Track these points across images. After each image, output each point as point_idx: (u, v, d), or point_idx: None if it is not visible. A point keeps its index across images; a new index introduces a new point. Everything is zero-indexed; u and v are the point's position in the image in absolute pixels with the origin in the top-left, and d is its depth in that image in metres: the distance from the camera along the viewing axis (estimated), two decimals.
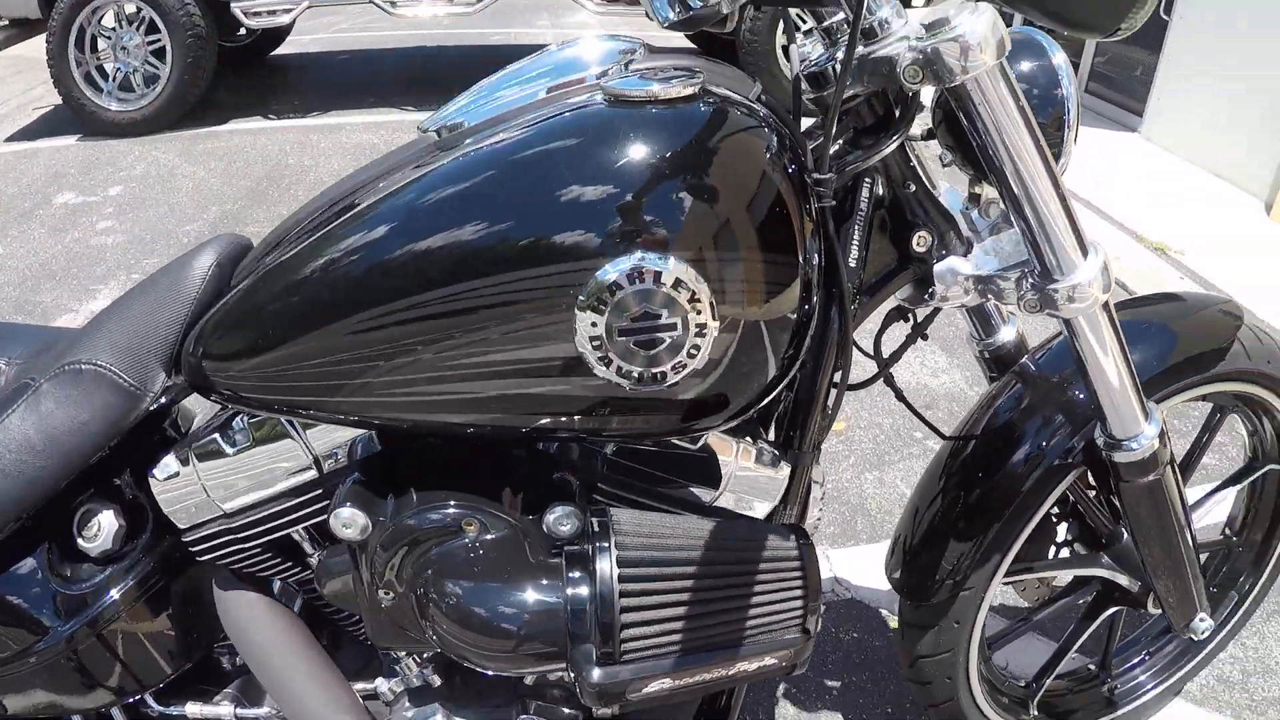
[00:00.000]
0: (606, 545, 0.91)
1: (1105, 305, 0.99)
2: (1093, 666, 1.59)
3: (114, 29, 4.78)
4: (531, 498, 1.00)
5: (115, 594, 1.14)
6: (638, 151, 0.83)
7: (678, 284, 0.82)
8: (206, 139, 4.92)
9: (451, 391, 0.89)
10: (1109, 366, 1.04)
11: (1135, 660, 1.60)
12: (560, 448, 1.03)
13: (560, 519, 0.97)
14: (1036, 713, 1.50)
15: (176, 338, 1.03)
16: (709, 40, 6.69)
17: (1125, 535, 1.29)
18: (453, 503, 0.97)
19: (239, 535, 1.09)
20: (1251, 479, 1.48)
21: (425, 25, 6.82)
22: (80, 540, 1.12)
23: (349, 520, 0.97)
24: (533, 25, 7.19)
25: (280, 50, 6.51)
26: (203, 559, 1.11)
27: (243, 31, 5.41)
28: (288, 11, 4.85)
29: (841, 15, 0.94)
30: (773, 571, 0.98)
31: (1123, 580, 1.33)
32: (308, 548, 1.11)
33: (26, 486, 1.06)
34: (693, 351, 0.85)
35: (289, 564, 1.14)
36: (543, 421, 0.91)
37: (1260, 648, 1.83)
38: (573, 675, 0.93)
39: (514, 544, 0.96)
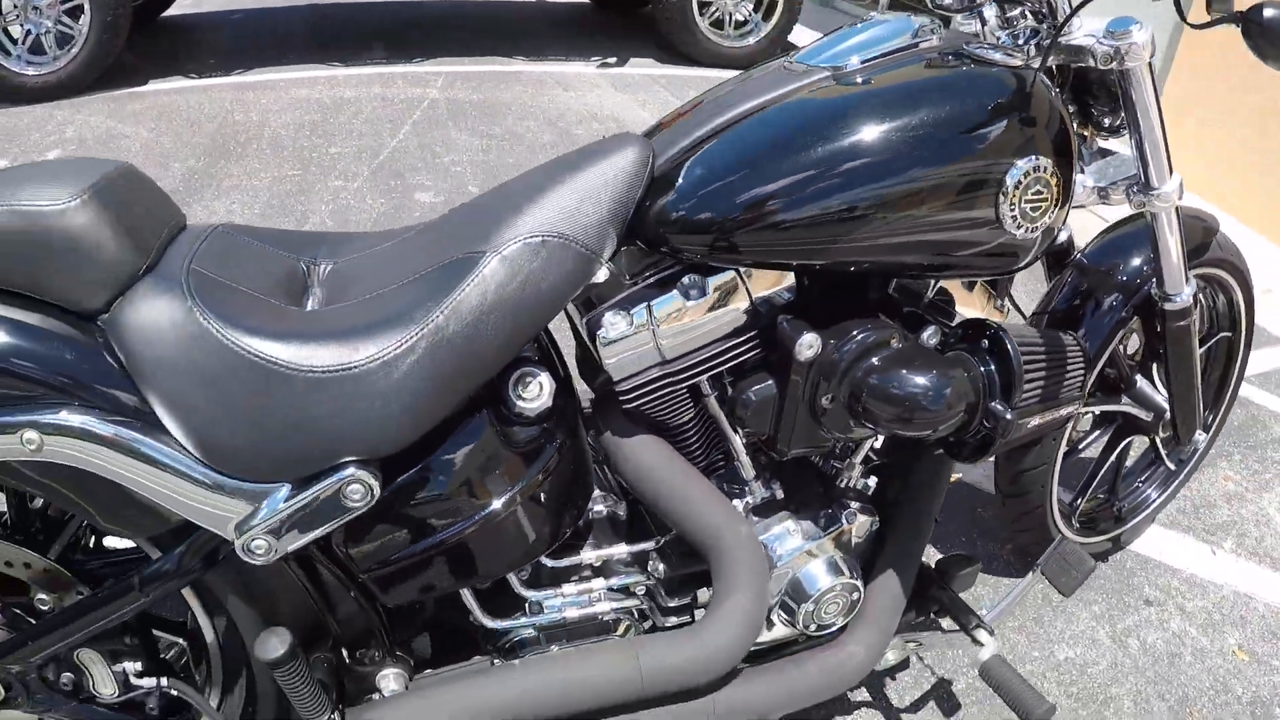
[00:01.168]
0: (1002, 334, 1.28)
1: (1177, 208, 1.47)
2: (1103, 494, 2.05)
3: None
4: (912, 320, 1.33)
5: (551, 451, 1.25)
6: (1013, 96, 1.21)
7: (1050, 171, 1.22)
8: (131, 100, 4.60)
9: (879, 238, 1.18)
10: (1174, 246, 1.50)
11: (1135, 485, 2.11)
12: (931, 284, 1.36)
13: (933, 333, 1.32)
14: (1078, 524, 1.98)
15: (627, 209, 1.17)
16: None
17: (1139, 381, 1.74)
18: (875, 324, 1.24)
19: (672, 380, 1.24)
20: (1209, 344, 1.95)
21: None
22: (520, 402, 1.20)
23: (810, 343, 1.21)
24: None
25: (170, 12, 6.10)
26: (628, 405, 1.25)
27: None
28: None
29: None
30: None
31: (1139, 413, 1.75)
32: (707, 387, 1.28)
33: (493, 353, 1.13)
34: (1052, 212, 1.25)
35: (692, 403, 1.29)
36: (939, 260, 1.23)
37: (1204, 488, 2.37)
38: (989, 422, 1.27)
39: (922, 348, 1.28)
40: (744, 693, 1.34)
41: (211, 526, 1.12)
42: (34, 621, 1.33)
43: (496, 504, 1.21)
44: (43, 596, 1.33)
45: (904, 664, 1.85)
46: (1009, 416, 1.25)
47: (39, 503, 1.35)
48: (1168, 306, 1.55)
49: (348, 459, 1.10)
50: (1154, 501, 2.07)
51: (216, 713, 1.42)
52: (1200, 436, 1.78)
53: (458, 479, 1.19)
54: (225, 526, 1.12)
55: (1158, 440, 1.95)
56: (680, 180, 1.17)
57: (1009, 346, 1.25)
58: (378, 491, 1.12)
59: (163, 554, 1.21)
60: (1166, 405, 1.70)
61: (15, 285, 1.05)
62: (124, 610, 1.22)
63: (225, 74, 5.02)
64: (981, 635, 1.51)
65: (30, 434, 1.03)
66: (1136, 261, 1.64)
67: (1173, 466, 2.04)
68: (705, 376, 1.25)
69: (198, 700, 1.39)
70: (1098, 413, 1.91)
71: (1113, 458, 1.94)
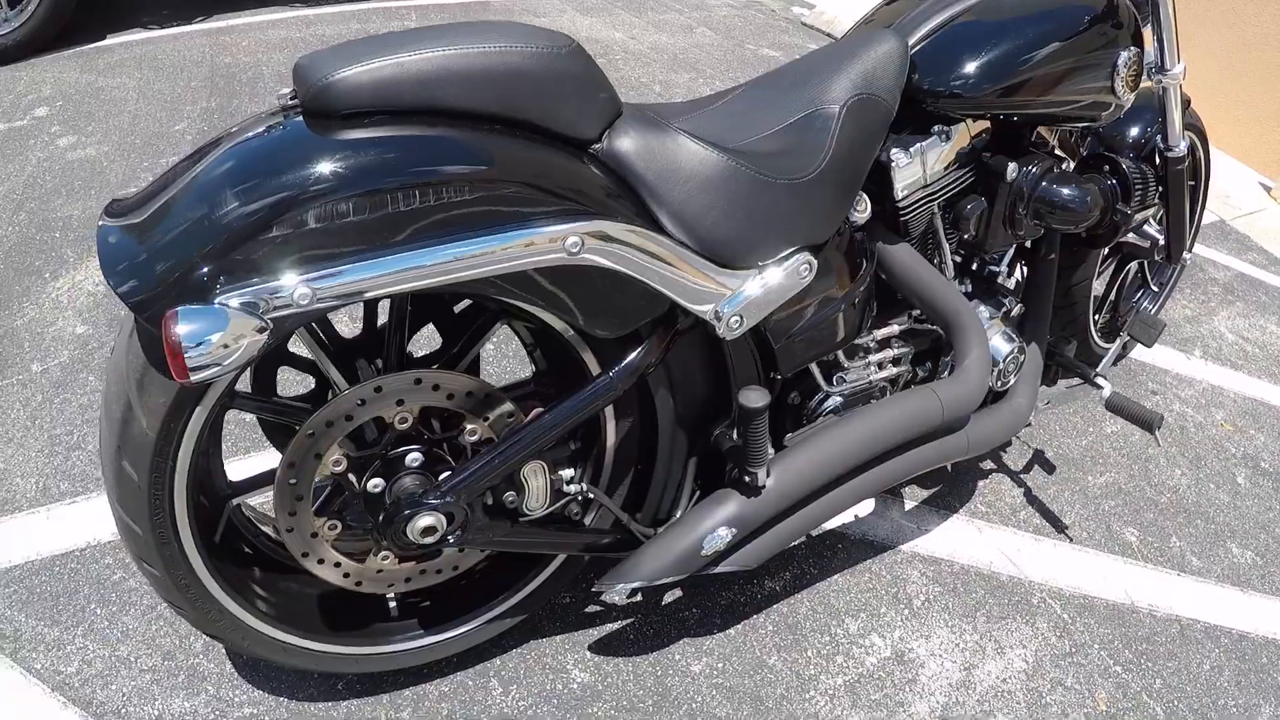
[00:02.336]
0: (1119, 160, 1.92)
1: (1179, 85, 1.92)
2: (1108, 313, 2.51)
3: None
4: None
5: (872, 251, 1.71)
6: (1123, 10, 1.78)
7: (1136, 56, 1.77)
8: (98, 55, 4.32)
9: (1063, 94, 1.71)
10: (1177, 112, 1.94)
11: (1130, 304, 2.61)
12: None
13: (1066, 164, 1.89)
14: (1095, 333, 2.46)
15: (902, 79, 1.60)
16: None
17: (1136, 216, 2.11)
18: (1044, 156, 1.80)
19: (927, 198, 1.72)
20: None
21: None
22: (854, 214, 1.65)
23: (1013, 170, 1.76)
24: None
25: None
26: (904, 217, 1.70)
27: None
28: None
29: None
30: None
31: (1139, 242, 2.12)
32: (936, 208, 1.77)
33: (858, 174, 1.58)
34: (1135, 85, 1.79)
35: (927, 218, 1.75)
36: (1080, 111, 1.75)
37: (1169, 313, 3.05)
38: (1116, 218, 1.88)
39: (1071, 172, 1.83)
40: (977, 428, 1.77)
41: (697, 310, 1.38)
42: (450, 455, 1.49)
43: (856, 289, 1.63)
44: (472, 426, 1.46)
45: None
46: (1129, 212, 1.84)
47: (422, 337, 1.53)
48: (1170, 155, 1.99)
49: (797, 246, 1.46)
50: (1152, 307, 2.66)
51: (622, 511, 1.63)
52: (1187, 256, 2.21)
53: (833, 271, 1.58)
54: (708, 308, 1.39)
55: (1147, 266, 2.56)
56: (938, 56, 1.62)
57: (1124, 169, 1.87)
58: (815, 269, 1.48)
59: (600, 362, 1.44)
60: (1160, 235, 2.08)
61: (525, 114, 1.21)
62: (596, 406, 1.42)
63: (185, 23, 4.76)
64: (1100, 381, 2.09)
65: (573, 239, 1.21)
66: (1139, 127, 2.10)
67: (1156, 289, 2.65)
68: (941, 198, 1.71)
69: (608, 501, 1.60)
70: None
71: (1117, 282, 2.47)
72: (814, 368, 1.69)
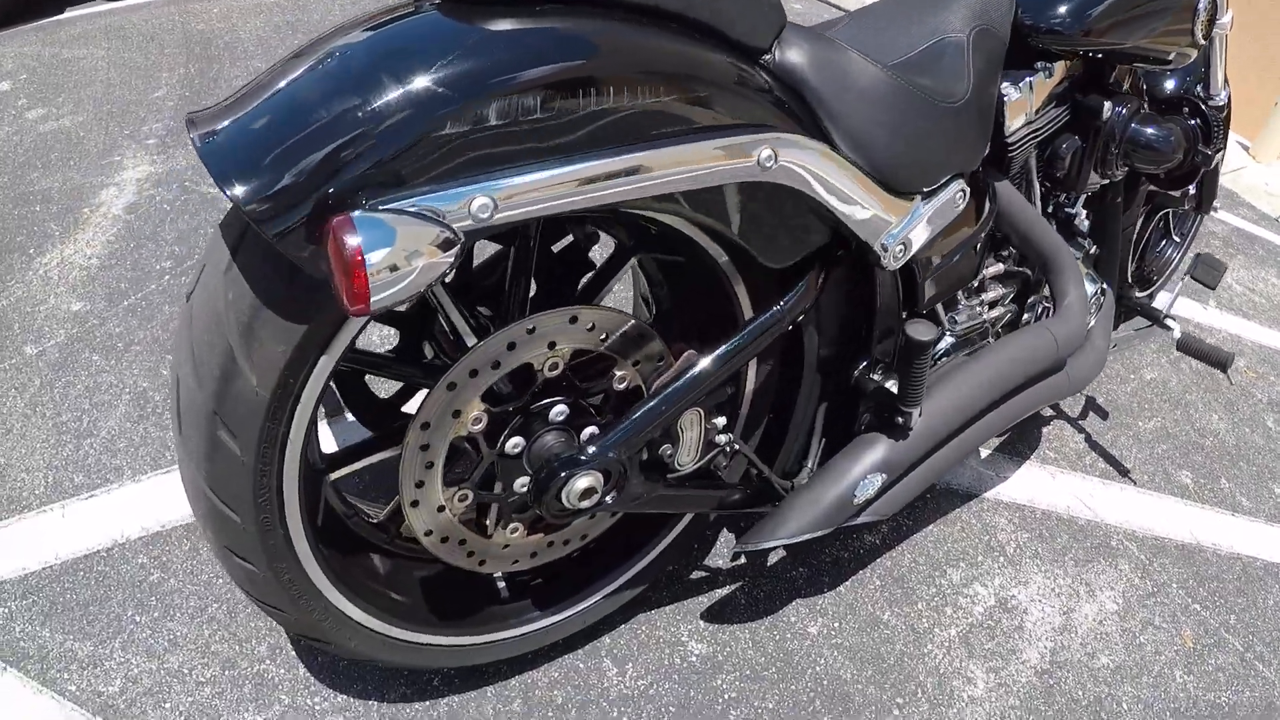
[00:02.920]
0: (1200, 103, 1.89)
1: (1226, 35, 1.88)
2: (1135, 262, 2.42)
3: None
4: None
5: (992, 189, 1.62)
6: None
7: (1210, 6, 1.70)
8: (58, 28, 3.95)
9: (1151, 38, 1.64)
10: (1221, 63, 1.90)
11: (1156, 253, 2.50)
12: None
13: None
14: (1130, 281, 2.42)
15: (1010, 16, 1.54)
16: None
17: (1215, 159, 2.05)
18: (1132, 98, 1.76)
19: (1032, 134, 1.64)
20: None
21: None
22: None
23: (1108, 108, 1.71)
24: None
25: None
26: (1010, 154, 1.60)
27: None
28: None
29: None
30: None
31: (1172, 190, 2.03)
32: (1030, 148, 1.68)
33: (992, 101, 1.52)
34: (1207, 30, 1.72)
35: (1029, 152, 1.69)
36: (1162, 53, 1.68)
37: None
38: (1197, 159, 1.84)
39: (1156, 115, 1.79)
40: (1075, 368, 1.74)
41: (867, 238, 1.30)
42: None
43: (986, 224, 1.55)
44: (621, 372, 1.32)
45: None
46: (1210, 154, 1.80)
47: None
48: (1212, 103, 1.92)
49: (955, 173, 1.40)
50: (1174, 261, 2.54)
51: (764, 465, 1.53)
52: (1216, 205, 2.18)
53: (973, 204, 1.48)
54: (877, 237, 1.31)
55: (1171, 216, 2.48)
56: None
57: (1205, 110, 1.84)
58: (967, 199, 1.42)
59: (753, 298, 1.36)
60: (1191, 186, 2.02)
61: (700, 14, 1.07)
62: (763, 343, 1.32)
63: None
64: (1169, 323, 2.08)
65: (766, 151, 1.12)
66: (1178, 76, 2.02)
67: (1178, 239, 2.56)
68: (1041, 137, 1.65)
69: (751, 453, 1.49)
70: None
71: (1153, 224, 2.39)
72: (940, 306, 1.63)
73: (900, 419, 1.47)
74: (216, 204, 2.58)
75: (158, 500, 1.77)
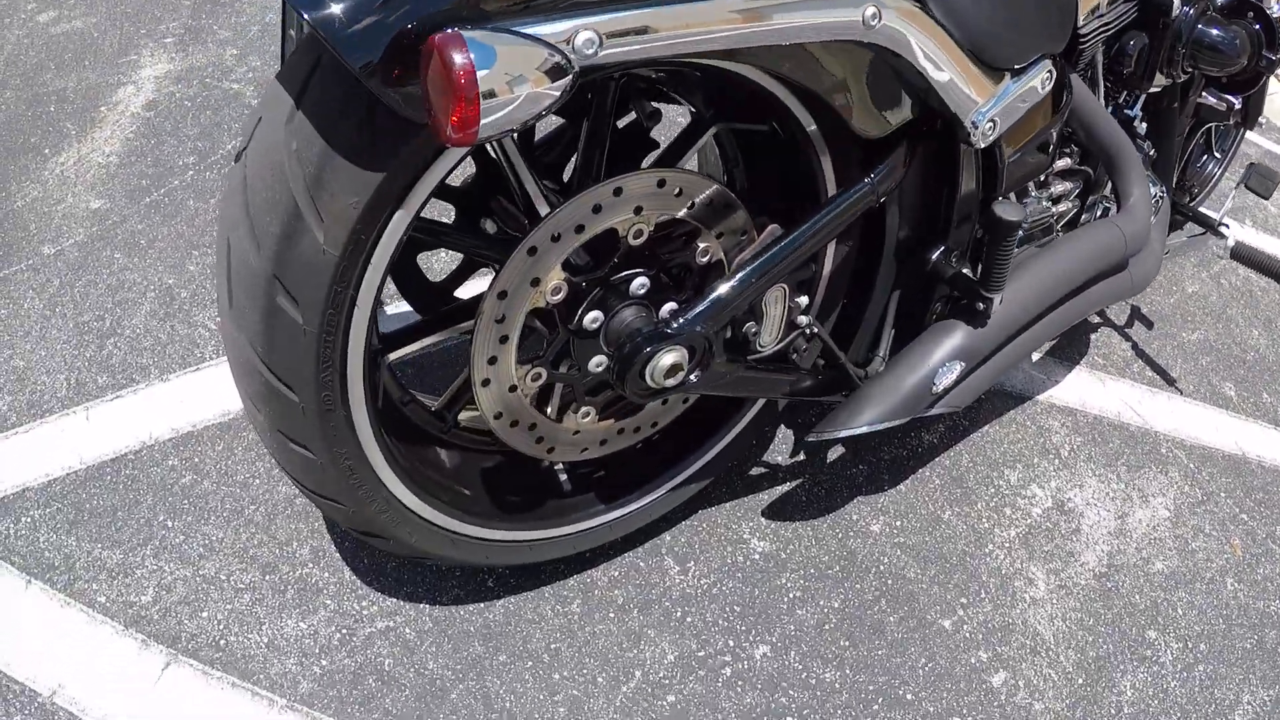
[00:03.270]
0: (1263, 6, 1.71)
1: None
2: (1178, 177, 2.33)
3: None
4: None
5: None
6: None
7: None
8: None
9: None
10: None
11: (1197, 168, 2.36)
12: None
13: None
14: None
15: None
16: None
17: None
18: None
19: (1103, 28, 1.52)
20: None
21: None
22: None
23: (1176, 5, 1.61)
24: None
25: None
26: (1081, 46, 1.47)
27: None
28: None
29: None
30: None
31: (1217, 104, 1.89)
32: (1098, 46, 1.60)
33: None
34: None
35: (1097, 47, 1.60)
36: None
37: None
38: (1260, 63, 1.69)
39: (1220, 17, 1.70)
40: (1137, 268, 1.69)
41: (959, 111, 1.24)
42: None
43: (1064, 112, 1.43)
44: (704, 244, 1.27)
45: None
46: (1274, 59, 1.69)
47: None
48: (1276, 10, 1.78)
49: (1043, 52, 1.33)
50: (1215, 176, 2.41)
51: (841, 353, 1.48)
52: (1263, 119, 2.13)
53: (1054, 88, 1.39)
54: (969, 112, 1.25)
55: (1214, 131, 2.33)
56: None
57: (1269, 14, 1.68)
58: (1054, 80, 1.35)
59: (838, 173, 1.32)
60: (1238, 100, 1.90)
61: None
62: (852, 216, 1.28)
63: None
64: (1223, 229, 2.01)
65: (871, 9, 1.07)
66: None
67: (1219, 155, 2.43)
68: (1108, 33, 1.54)
69: (828, 339, 1.43)
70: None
71: (1197, 139, 2.28)
72: (1013, 196, 1.57)
73: (981, 305, 1.44)
74: (240, 100, 2.43)
75: (188, 399, 1.66)
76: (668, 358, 1.15)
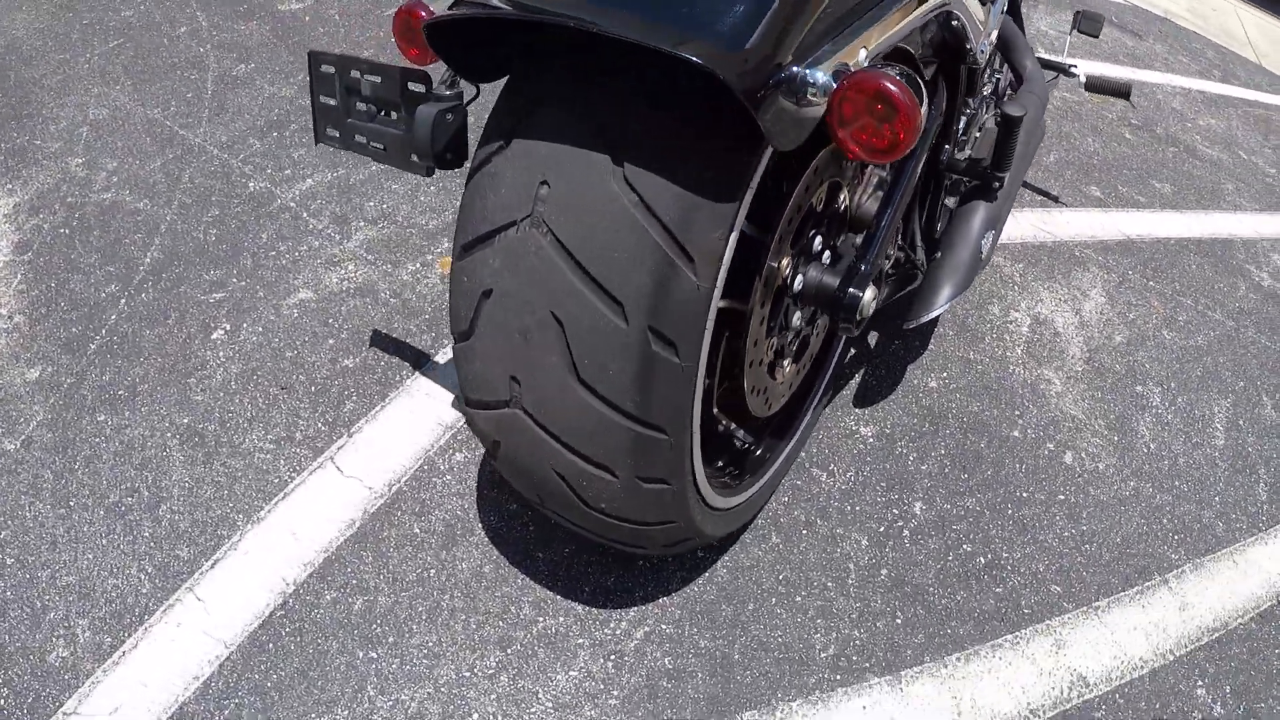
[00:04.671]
0: None
1: None
2: None
3: None
4: None
5: None
6: None
7: None
8: None
9: None
10: None
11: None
12: None
13: None
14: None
15: None
16: None
17: None
18: None
19: None
20: None
21: None
22: None
23: None
24: None
25: None
26: None
27: None
28: None
29: None
30: None
31: None
32: None
33: None
34: None
35: None
36: None
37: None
38: None
39: None
40: (1042, 121, 1.95)
41: (974, 40, 1.40)
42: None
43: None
44: (843, 195, 1.39)
45: None
46: None
47: None
48: None
49: None
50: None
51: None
52: None
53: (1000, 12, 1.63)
54: (979, 39, 1.44)
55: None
56: None
57: None
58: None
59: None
60: None
61: None
62: (929, 140, 1.48)
63: None
64: (1074, 70, 2.33)
65: None
66: None
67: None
68: None
69: (906, 247, 1.64)
70: None
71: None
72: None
73: (996, 183, 1.62)
74: (122, 208, 2.00)
75: (299, 528, 1.46)
76: (869, 292, 1.24)
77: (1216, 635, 1.61)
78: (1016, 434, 1.90)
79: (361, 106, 1.15)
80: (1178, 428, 2.04)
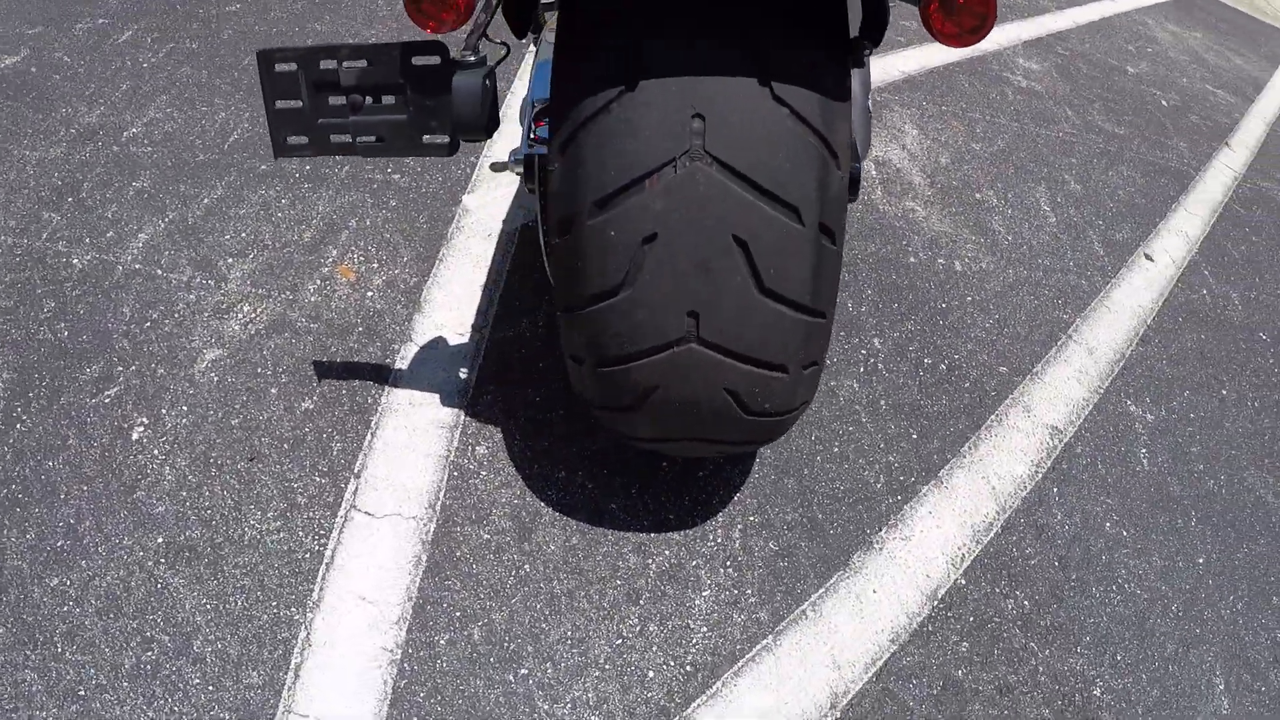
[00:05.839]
0: None
1: None
2: None
3: None
4: None
5: None
6: None
7: None
8: None
9: None
10: None
11: None
12: None
13: None
14: None
15: None
16: None
17: None
18: None
19: None
20: None
21: None
22: None
23: None
24: None
25: None
26: None
27: None
28: None
29: None
30: None
31: None
32: None
33: None
34: None
35: None
36: None
37: None
38: None
39: None
40: None
41: None
42: None
43: None
44: None
45: None
46: None
47: None
48: None
49: None
50: None
51: None
52: None
53: None
54: None
55: None
56: None
57: None
58: None
59: None
60: None
61: None
62: None
63: None
64: None
65: None
66: None
67: None
68: None
69: None
70: None
71: None
72: None
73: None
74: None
75: (362, 591, 1.29)
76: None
77: (1120, 365, 1.90)
78: (913, 259, 2.06)
79: (338, 101, 0.97)
80: (1020, 218, 2.29)
